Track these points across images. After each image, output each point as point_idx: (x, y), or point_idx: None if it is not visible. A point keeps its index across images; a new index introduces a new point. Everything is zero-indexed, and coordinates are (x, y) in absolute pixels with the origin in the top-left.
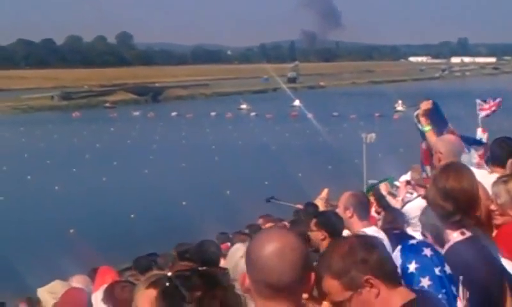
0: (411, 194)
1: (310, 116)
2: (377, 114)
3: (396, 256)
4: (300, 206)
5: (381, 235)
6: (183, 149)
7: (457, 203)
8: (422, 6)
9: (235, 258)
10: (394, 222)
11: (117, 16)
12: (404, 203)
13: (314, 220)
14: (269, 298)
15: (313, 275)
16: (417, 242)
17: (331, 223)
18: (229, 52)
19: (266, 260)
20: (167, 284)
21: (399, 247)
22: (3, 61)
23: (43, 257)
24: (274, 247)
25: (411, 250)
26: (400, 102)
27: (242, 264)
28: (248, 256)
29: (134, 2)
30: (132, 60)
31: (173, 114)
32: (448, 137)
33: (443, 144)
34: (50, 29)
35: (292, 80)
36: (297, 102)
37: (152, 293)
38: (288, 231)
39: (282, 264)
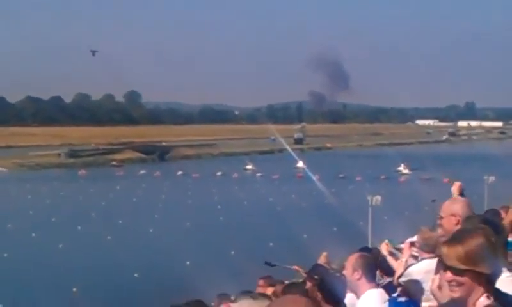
0: (415, 257)
1: (314, 177)
2: (383, 177)
3: None
4: (297, 268)
5: (387, 297)
6: (188, 208)
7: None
8: (429, 69)
9: None
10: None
11: (126, 75)
12: (408, 266)
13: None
14: None
15: None
16: (406, 301)
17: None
18: (236, 112)
19: None
20: None
21: (387, 302)
22: (12, 117)
23: None
24: None
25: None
26: (403, 165)
27: None
28: None
29: (142, 61)
30: (139, 119)
31: (179, 173)
32: (464, 199)
33: (460, 206)
34: (58, 86)
35: (298, 141)
36: (300, 164)
37: None
38: (301, 298)
39: None
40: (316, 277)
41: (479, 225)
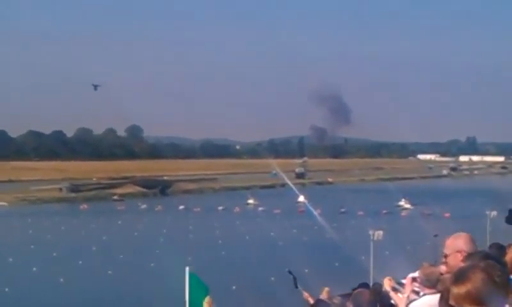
0: (417, 293)
1: (315, 212)
2: (384, 211)
3: None
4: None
5: None
6: (190, 243)
7: None
8: (431, 104)
9: None
10: None
11: (127, 109)
12: (410, 301)
13: None
14: None
15: None
16: None
17: None
18: (238, 147)
19: None
20: None
21: None
22: (13, 152)
23: None
24: None
25: None
26: (403, 199)
27: None
28: None
29: (144, 96)
30: (141, 153)
31: (181, 207)
32: (467, 234)
33: (464, 242)
34: (60, 121)
35: (300, 175)
36: (302, 198)
37: None
38: None
39: None
40: None
41: (481, 261)
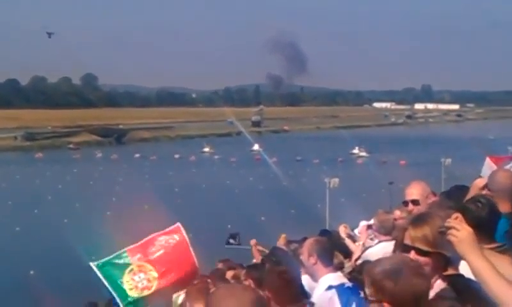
0: (372, 240)
1: (271, 160)
2: (340, 159)
3: (332, 298)
4: (254, 244)
5: (346, 281)
6: (146, 191)
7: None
8: (386, 52)
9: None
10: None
11: (82, 58)
12: (365, 248)
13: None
14: None
15: None
16: (353, 285)
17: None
18: (194, 95)
19: None
20: None
21: (333, 289)
22: None
23: (2, 298)
24: (234, 304)
25: (350, 293)
26: (357, 147)
27: None
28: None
29: (99, 44)
30: (96, 101)
31: (137, 156)
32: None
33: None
34: (14, 69)
35: (256, 123)
36: (256, 146)
37: None
38: (251, 289)
39: None
40: (274, 259)
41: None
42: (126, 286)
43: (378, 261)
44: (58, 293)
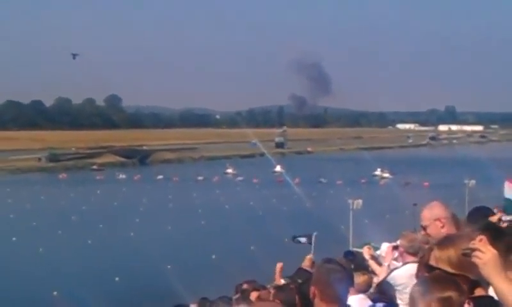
0: (396, 261)
1: (293, 181)
2: (363, 180)
3: None
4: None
5: (368, 303)
6: (169, 212)
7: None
8: (410, 73)
9: None
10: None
11: (106, 79)
12: (391, 270)
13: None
14: None
15: None
16: (384, 305)
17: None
18: (217, 116)
19: None
20: None
21: None
22: None
23: None
24: None
25: None
26: (379, 169)
27: None
28: None
29: (123, 66)
30: (120, 123)
31: (160, 177)
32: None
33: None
34: (39, 90)
35: (279, 145)
36: (278, 168)
37: None
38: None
39: None
40: (300, 281)
41: (482, 230)
42: None
43: None
44: None
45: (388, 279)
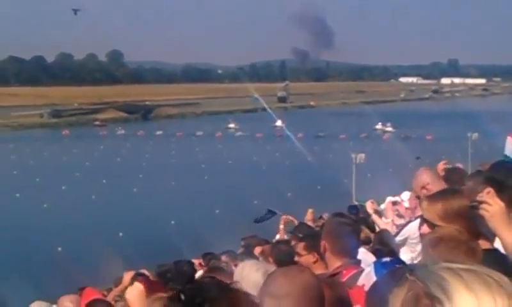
0: (399, 216)
1: (294, 136)
2: (366, 134)
3: (369, 272)
4: (288, 217)
5: (369, 256)
6: (172, 167)
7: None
8: (412, 27)
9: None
10: (384, 244)
11: (108, 35)
12: (404, 224)
13: (302, 244)
14: None
15: None
16: (390, 260)
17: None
18: (219, 71)
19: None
20: (182, 296)
21: (372, 264)
22: None
23: (30, 275)
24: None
25: (385, 267)
26: (380, 123)
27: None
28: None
29: (125, 21)
30: (122, 78)
31: (162, 132)
32: (424, 169)
33: (427, 175)
34: (41, 46)
35: (282, 99)
36: (279, 123)
37: None
38: (307, 271)
39: None
40: (300, 235)
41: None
42: None
43: None
44: (86, 269)
45: (401, 234)
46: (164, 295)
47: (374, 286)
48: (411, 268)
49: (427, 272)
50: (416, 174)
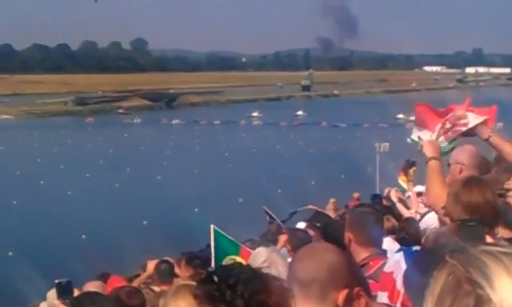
0: (425, 206)
1: (316, 125)
2: (389, 124)
3: (398, 259)
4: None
5: (395, 245)
6: (196, 156)
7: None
8: (437, 16)
9: (257, 264)
10: (410, 234)
11: (132, 23)
12: (424, 214)
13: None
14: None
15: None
16: (421, 249)
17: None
18: (244, 60)
19: None
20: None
21: (401, 252)
22: (18, 65)
23: (55, 262)
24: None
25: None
26: (402, 114)
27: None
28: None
29: (149, 9)
30: (146, 66)
31: (184, 121)
32: (471, 148)
33: (467, 155)
34: (65, 34)
35: (306, 88)
36: (300, 112)
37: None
38: (332, 249)
39: None
40: (318, 225)
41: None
42: None
43: None
44: (109, 257)
45: (422, 222)
46: (192, 282)
47: (412, 267)
48: (450, 251)
49: (467, 256)
50: (463, 147)
